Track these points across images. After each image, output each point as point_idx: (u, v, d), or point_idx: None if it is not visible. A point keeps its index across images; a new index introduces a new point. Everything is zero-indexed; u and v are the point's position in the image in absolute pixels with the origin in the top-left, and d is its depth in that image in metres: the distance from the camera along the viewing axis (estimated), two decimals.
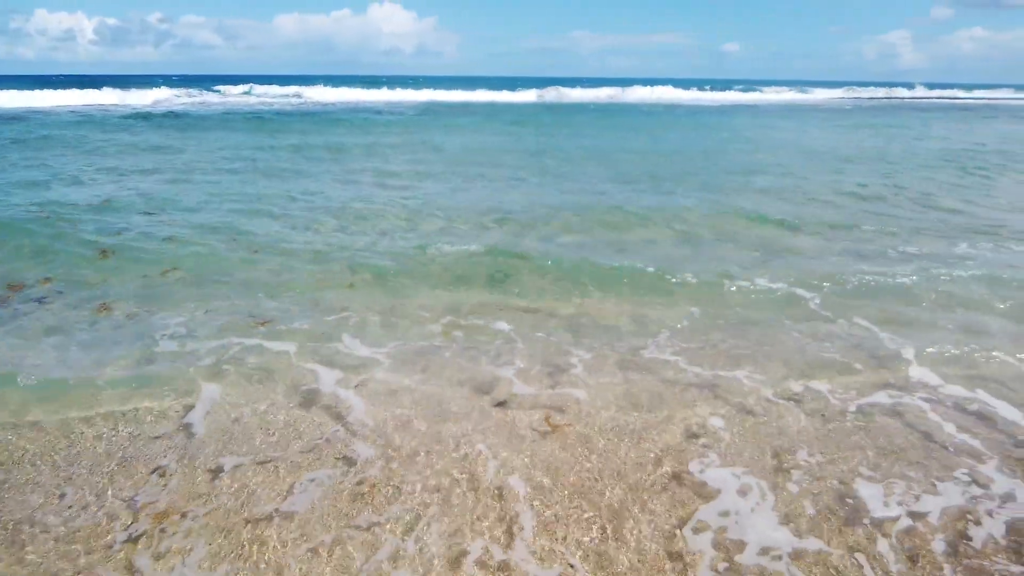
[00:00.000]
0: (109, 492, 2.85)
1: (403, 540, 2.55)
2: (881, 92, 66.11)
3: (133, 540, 2.55)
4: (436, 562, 2.45)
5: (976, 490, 2.88)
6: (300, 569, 2.42)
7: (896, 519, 2.66)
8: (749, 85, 70.48)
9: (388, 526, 2.63)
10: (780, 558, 2.42)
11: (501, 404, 3.64)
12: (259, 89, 43.92)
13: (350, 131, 19.52)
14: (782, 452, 3.20)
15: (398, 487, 2.88)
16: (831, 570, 2.38)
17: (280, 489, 2.86)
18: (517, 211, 8.33)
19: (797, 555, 2.45)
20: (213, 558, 2.46)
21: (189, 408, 3.55)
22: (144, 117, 22.60)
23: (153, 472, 3.00)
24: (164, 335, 4.50)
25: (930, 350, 4.32)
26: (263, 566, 2.43)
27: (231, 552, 2.49)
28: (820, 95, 58.33)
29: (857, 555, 2.42)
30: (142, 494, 2.84)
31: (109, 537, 2.58)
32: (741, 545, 2.51)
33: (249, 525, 2.63)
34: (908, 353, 4.27)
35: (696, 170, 12.40)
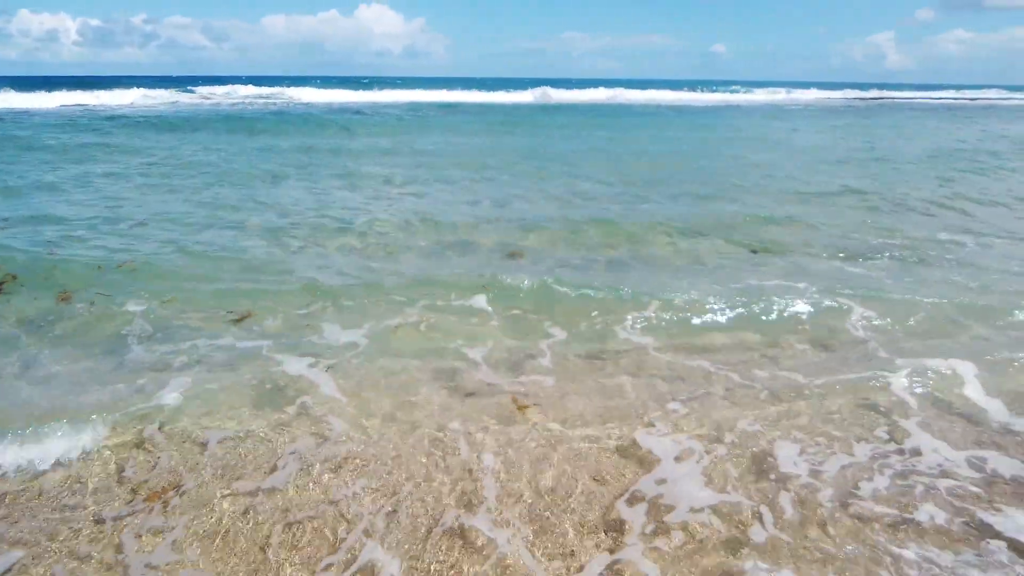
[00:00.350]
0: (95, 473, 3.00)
1: (375, 514, 2.72)
2: (869, 93, 66.92)
3: (122, 518, 2.71)
4: (406, 533, 2.62)
5: (891, 447, 3.18)
6: (280, 543, 2.57)
7: (799, 476, 2.96)
8: (741, 86, 70.89)
9: (360, 500, 2.81)
10: (702, 511, 2.65)
11: (471, 393, 3.80)
12: (243, 90, 43.66)
13: (329, 133, 19.36)
14: (725, 424, 3.30)
15: (371, 463, 3.06)
16: (740, 519, 2.63)
17: (261, 467, 3.03)
18: (493, 219, 8.17)
19: (715, 509, 2.70)
20: (198, 534, 2.62)
21: (165, 392, 3.68)
22: (120, 118, 22.38)
23: (139, 450, 3.15)
24: (130, 327, 4.58)
25: (905, 336, 4.51)
26: (247, 541, 2.59)
27: (216, 527, 2.66)
28: (808, 95, 58.97)
29: (763, 507, 2.69)
30: (130, 471, 2.99)
31: (100, 513, 2.74)
32: (671, 507, 2.74)
33: (231, 499, 2.80)
34: (882, 339, 4.46)
35: (688, 171, 12.47)
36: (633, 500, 2.78)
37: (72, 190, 9.58)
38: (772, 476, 2.95)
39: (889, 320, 4.75)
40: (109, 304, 4.91)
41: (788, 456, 3.08)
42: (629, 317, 4.80)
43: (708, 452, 3.10)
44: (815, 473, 2.97)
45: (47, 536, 2.61)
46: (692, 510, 2.68)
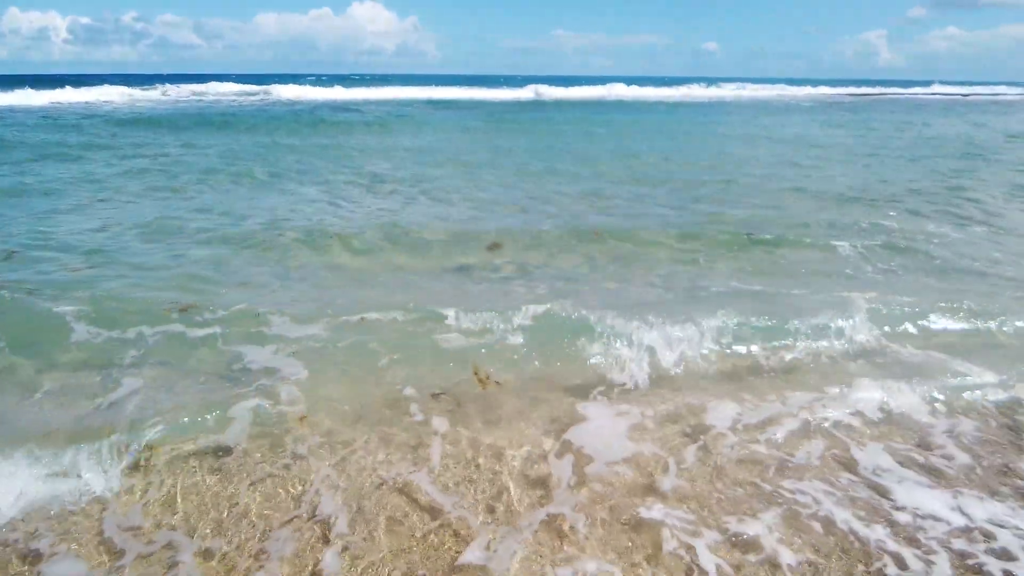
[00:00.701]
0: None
1: (329, 472, 3.01)
2: (862, 89, 67.22)
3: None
4: (355, 489, 2.92)
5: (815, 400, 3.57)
6: (244, 500, 2.86)
7: (712, 427, 3.32)
8: (733, 83, 70.91)
9: (314, 459, 3.09)
10: (616, 463, 3.00)
11: (434, 369, 4.01)
12: (228, 88, 43.41)
13: (309, 131, 18.89)
14: (664, 385, 3.57)
15: (328, 427, 3.35)
16: (646, 467, 2.99)
17: (222, 430, 3.30)
18: (468, 221, 7.94)
19: (628, 459, 3.05)
20: (169, 495, 2.89)
21: (117, 380, 3.85)
22: (96, 116, 21.98)
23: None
24: (65, 310, 4.64)
25: (875, 306, 4.70)
26: (214, 498, 2.86)
27: (186, 487, 2.93)
28: (801, 92, 59.12)
29: (670, 458, 3.04)
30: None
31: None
32: (591, 458, 3.08)
33: (197, 459, 3.09)
34: (849, 315, 4.61)
35: (682, 170, 12.31)
36: (562, 454, 3.11)
37: (30, 189, 9.47)
38: (691, 429, 3.25)
39: (854, 284, 4.93)
40: (38, 298, 4.87)
41: (717, 415, 3.39)
42: (604, 317, 4.65)
43: (642, 414, 3.38)
44: (736, 425, 3.32)
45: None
46: (609, 463, 3.00)
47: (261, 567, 2.48)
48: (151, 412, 3.47)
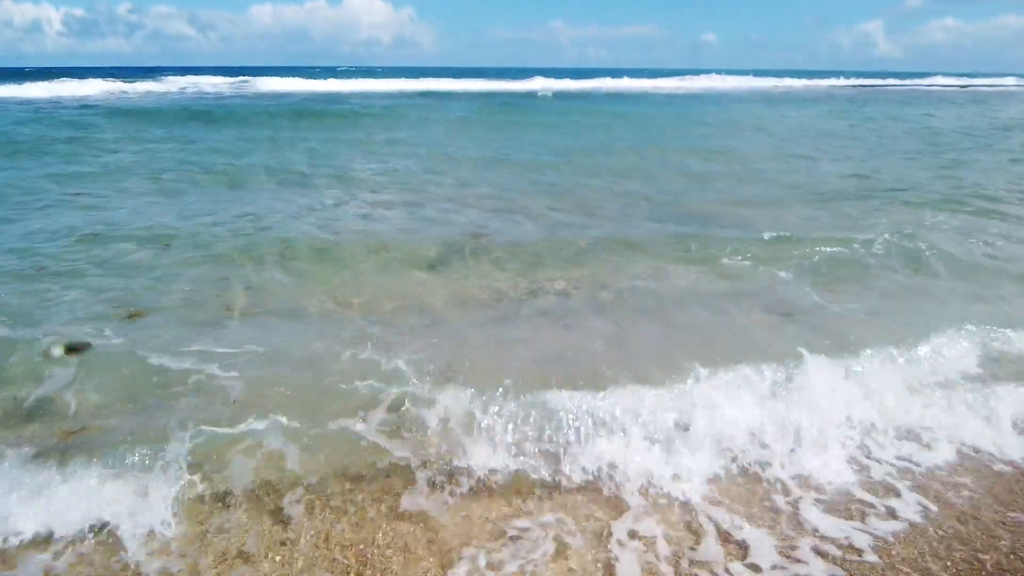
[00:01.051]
0: None
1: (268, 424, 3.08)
2: (860, 80, 67.00)
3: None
4: (303, 440, 3.03)
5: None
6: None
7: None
8: (730, 74, 70.44)
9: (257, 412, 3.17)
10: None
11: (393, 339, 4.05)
12: (213, 80, 43.00)
13: (293, 125, 18.04)
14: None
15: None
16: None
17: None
18: (437, 225, 7.21)
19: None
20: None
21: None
22: (75, 109, 21.28)
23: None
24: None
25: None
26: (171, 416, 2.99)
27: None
28: (798, 83, 58.75)
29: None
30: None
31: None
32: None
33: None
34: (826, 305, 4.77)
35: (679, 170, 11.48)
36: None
37: (3, 184, 8.95)
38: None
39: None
40: None
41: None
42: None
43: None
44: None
45: None
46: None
47: (247, 510, 2.63)
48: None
